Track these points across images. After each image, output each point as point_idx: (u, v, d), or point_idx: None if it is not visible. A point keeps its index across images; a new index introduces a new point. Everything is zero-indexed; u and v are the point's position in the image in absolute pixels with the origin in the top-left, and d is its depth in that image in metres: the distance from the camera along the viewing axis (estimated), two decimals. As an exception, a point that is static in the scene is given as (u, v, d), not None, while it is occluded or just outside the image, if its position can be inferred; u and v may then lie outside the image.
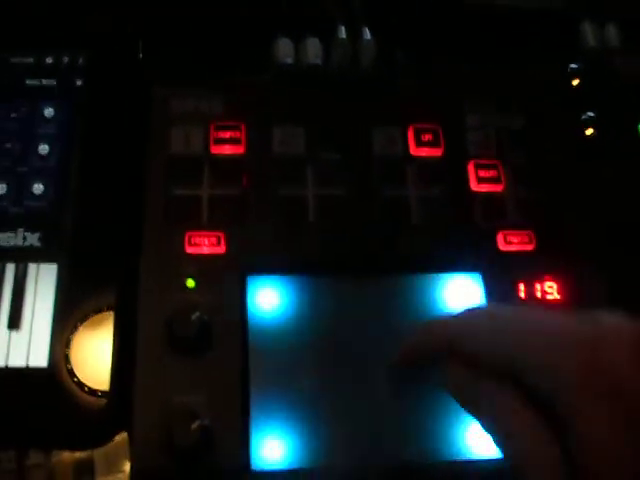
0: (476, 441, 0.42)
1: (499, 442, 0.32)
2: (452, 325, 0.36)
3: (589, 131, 0.50)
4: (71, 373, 0.43)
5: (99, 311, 0.44)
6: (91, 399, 0.43)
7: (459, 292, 0.46)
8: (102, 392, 0.43)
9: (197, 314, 0.42)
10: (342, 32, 0.53)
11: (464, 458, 0.42)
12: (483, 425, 0.33)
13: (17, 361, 0.43)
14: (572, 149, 0.50)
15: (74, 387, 0.43)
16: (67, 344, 0.44)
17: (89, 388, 0.43)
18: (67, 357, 0.43)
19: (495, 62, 0.53)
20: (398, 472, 0.41)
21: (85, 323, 0.44)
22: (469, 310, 0.36)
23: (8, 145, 0.47)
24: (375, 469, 0.41)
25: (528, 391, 0.31)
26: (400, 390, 0.42)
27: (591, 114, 0.50)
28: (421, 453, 0.42)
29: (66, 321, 0.44)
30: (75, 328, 0.44)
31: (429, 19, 0.55)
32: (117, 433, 0.43)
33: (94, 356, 0.44)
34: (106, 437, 0.44)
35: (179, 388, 0.42)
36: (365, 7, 0.53)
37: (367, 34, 0.53)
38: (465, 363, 0.34)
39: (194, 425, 0.40)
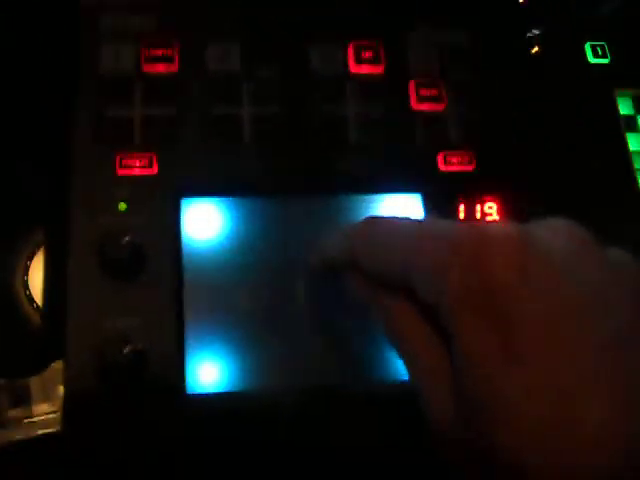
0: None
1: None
2: (352, 238, 0.35)
3: (534, 49, 0.49)
4: (30, 299, 0.42)
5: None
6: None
7: (399, 212, 0.45)
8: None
9: (128, 237, 0.41)
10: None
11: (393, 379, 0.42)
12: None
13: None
14: (517, 68, 0.49)
15: (32, 311, 0.42)
16: (26, 271, 0.43)
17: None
18: (26, 283, 0.42)
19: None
20: (326, 393, 0.41)
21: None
22: (368, 221, 0.35)
23: None
24: (303, 391, 0.41)
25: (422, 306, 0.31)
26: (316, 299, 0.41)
27: (537, 31, 0.49)
28: (348, 375, 0.42)
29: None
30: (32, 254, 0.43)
31: None
32: (53, 360, 0.43)
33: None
34: (42, 364, 0.43)
35: (112, 312, 0.41)
36: None
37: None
38: (365, 275, 0.33)
39: (127, 349, 0.40)
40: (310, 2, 0.48)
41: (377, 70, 0.47)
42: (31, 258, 0.44)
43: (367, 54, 0.47)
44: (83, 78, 0.45)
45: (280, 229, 0.44)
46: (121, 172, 0.43)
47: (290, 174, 0.45)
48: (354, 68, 0.47)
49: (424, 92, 0.47)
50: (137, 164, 0.43)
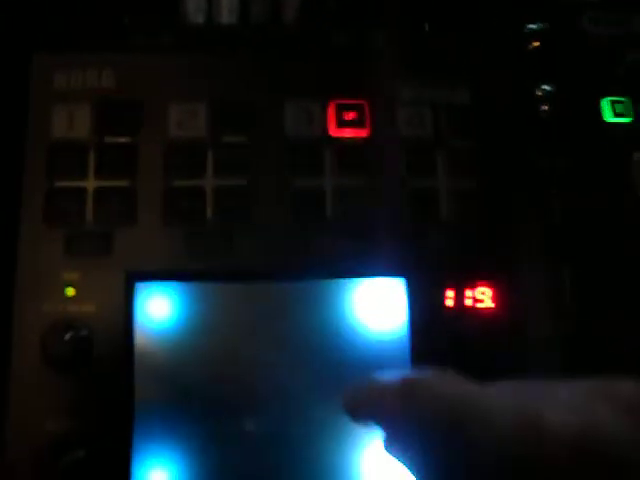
0: None
1: None
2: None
3: (544, 108, 0.43)
4: None
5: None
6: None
7: (377, 298, 0.40)
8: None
9: (72, 332, 0.38)
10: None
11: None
12: None
13: None
14: (522, 131, 0.43)
15: None
16: None
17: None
18: None
19: (437, 21, 0.45)
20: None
21: None
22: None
23: None
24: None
25: None
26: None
27: (548, 87, 0.43)
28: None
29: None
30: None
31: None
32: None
33: None
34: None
35: (56, 410, 0.38)
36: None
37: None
38: None
39: (69, 455, 0.37)
40: (285, 60, 0.43)
41: (361, 134, 0.42)
42: None
43: (350, 115, 0.42)
44: (32, 144, 0.41)
45: (242, 318, 0.40)
46: (71, 252, 0.39)
47: (255, 256, 0.40)
48: (334, 131, 0.42)
49: (414, 160, 0.42)
50: (89, 244, 0.40)
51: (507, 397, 0.25)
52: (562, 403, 0.24)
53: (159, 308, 0.40)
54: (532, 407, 0.24)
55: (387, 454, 0.27)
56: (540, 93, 0.43)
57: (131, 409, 0.38)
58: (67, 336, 0.38)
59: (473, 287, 0.41)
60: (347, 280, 0.40)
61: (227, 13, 0.44)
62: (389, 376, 0.28)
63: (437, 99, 0.43)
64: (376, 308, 0.40)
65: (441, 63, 0.44)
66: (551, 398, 0.24)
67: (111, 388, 0.38)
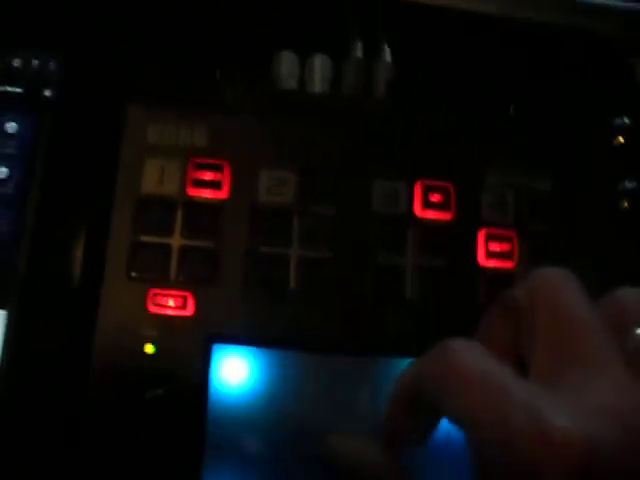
0: None
1: None
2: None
3: (625, 204, 0.43)
4: None
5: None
6: None
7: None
8: None
9: (151, 392, 0.38)
10: (358, 50, 0.46)
11: None
12: None
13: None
14: (604, 223, 0.44)
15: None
16: None
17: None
18: None
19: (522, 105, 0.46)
20: None
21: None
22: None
23: (-38, 164, 0.42)
24: None
25: None
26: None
27: (631, 183, 0.43)
28: None
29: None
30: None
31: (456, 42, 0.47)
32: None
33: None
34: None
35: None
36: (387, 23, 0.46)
37: (387, 55, 0.46)
38: None
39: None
40: (375, 135, 0.43)
41: (445, 216, 0.42)
42: None
43: (436, 197, 0.42)
44: (121, 195, 0.41)
45: (316, 388, 0.40)
46: (153, 309, 0.40)
47: (335, 329, 0.41)
48: (420, 212, 0.42)
49: (494, 247, 0.42)
50: (171, 303, 0.40)
51: None
52: None
53: (234, 371, 0.40)
54: None
55: None
56: (622, 188, 0.43)
57: (199, 470, 0.39)
58: (148, 395, 0.38)
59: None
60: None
61: (319, 82, 0.45)
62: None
63: (519, 184, 0.43)
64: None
65: (525, 148, 0.44)
66: None
67: (182, 447, 0.39)
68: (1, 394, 0.39)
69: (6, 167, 0.42)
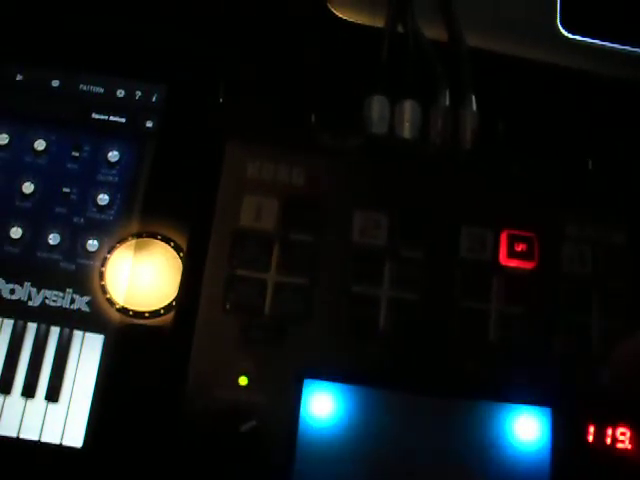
0: None
1: None
2: None
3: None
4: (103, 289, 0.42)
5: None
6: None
7: (524, 425, 0.43)
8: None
9: (248, 424, 0.39)
10: (446, 98, 0.47)
11: None
12: None
13: (51, 437, 0.40)
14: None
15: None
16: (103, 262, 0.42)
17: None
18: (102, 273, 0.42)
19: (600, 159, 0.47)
20: None
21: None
22: None
23: (66, 189, 0.43)
24: None
25: None
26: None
27: None
28: None
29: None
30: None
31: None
32: None
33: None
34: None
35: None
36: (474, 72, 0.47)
37: (473, 104, 0.47)
38: None
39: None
40: (463, 182, 0.45)
41: (528, 266, 0.44)
42: (111, 251, 0.42)
43: (521, 246, 0.44)
44: (219, 228, 0.43)
45: (401, 427, 0.42)
46: (247, 342, 0.41)
47: (421, 370, 0.42)
48: (505, 260, 0.44)
49: (572, 299, 0.44)
50: (265, 337, 0.41)
51: None
52: None
53: (323, 406, 0.41)
54: None
55: None
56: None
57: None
58: (244, 427, 0.39)
59: (614, 427, 0.43)
60: (497, 405, 0.42)
61: (409, 127, 0.46)
62: None
63: (597, 237, 0.45)
64: (522, 433, 0.42)
65: (603, 201, 0.46)
66: None
67: (273, 474, 0.40)
68: (96, 420, 0.40)
69: (107, 194, 0.44)
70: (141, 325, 0.42)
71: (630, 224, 0.46)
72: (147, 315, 0.42)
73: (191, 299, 0.42)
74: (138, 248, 0.43)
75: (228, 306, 0.42)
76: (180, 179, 0.44)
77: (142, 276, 0.43)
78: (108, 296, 0.42)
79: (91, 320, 0.42)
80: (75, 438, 0.40)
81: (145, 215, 0.43)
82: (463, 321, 0.43)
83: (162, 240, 0.43)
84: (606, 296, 0.45)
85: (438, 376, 0.42)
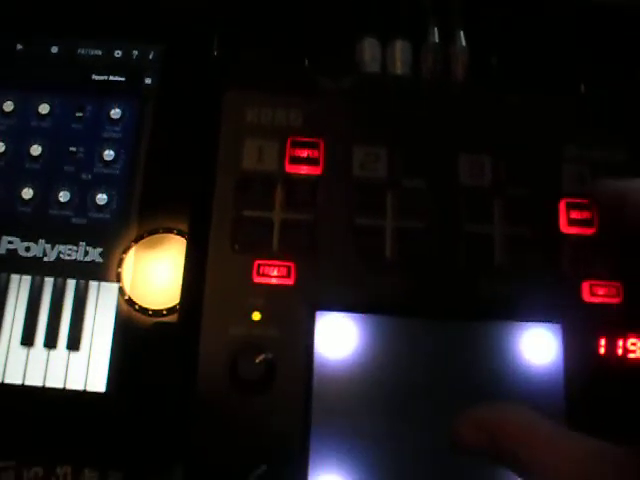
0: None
1: None
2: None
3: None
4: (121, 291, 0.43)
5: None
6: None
7: (537, 343, 0.43)
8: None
9: (262, 356, 0.40)
10: (435, 35, 0.48)
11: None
12: None
13: (75, 384, 0.41)
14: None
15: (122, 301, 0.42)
16: (119, 263, 0.43)
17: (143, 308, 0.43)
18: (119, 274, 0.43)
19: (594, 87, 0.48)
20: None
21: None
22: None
23: (72, 149, 0.44)
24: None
25: None
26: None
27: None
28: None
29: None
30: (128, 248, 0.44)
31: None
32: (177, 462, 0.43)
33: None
34: (163, 463, 0.43)
35: (239, 426, 0.41)
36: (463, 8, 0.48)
37: (462, 39, 0.48)
38: None
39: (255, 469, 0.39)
40: (459, 113, 0.46)
41: (528, 189, 0.45)
42: (126, 251, 0.43)
43: (519, 169, 0.45)
44: (223, 173, 0.44)
45: (414, 352, 0.42)
46: (258, 279, 0.42)
47: (430, 295, 0.43)
48: (503, 184, 0.45)
49: (575, 214, 0.45)
50: (275, 273, 0.42)
51: None
52: None
53: (337, 337, 0.42)
54: None
55: None
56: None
57: (308, 428, 0.41)
58: (258, 359, 0.40)
59: (625, 338, 0.43)
60: (509, 323, 0.43)
61: (400, 65, 0.47)
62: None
63: (596, 158, 0.46)
64: (534, 351, 0.43)
65: (599, 122, 0.47)
66: None
67: (291, 408, 0.41)
68: (117, 365, 0.42)
69: (112, 150, 0.45)
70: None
71: (630, 142, 0.47)
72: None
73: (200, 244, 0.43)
74: (153, 245, 0.44)
75: (237, 246, 0.43)
76: (182, 131, 0.45)
77: (159, 272, 0.44)
78: (126, 297, 0.43)
79: (105, 270, 0.43)
80: (98, 384, 0.42)
81: (150, 168, 0.45)
82: (469, 245, 0.44)
83: (178, 234, 0.45)
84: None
85: (448, 300, 0.43)
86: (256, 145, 0.44)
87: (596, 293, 0.44)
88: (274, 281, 0.42)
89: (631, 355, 0.43)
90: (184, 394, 0.41)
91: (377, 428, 0.41)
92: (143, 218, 0.44)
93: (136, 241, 0.44)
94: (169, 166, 0.45)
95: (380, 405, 0.42)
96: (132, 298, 0.43)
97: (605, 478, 0.29)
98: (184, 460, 0.41)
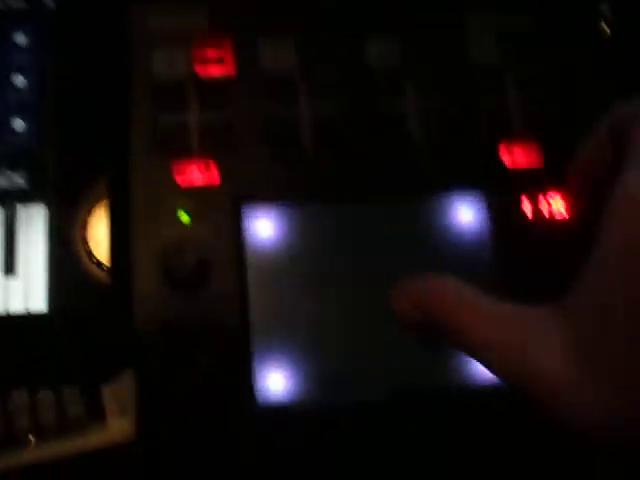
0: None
1: None
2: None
3: (605, 30, 0.46)
4: (89, 254, 0.43)
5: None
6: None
7: (462, 211, 0.44)
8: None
9: (192, 253, 0.41)
10: None
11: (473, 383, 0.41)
12: None
13: (18, 308, 0.42)
14: (586, 53, 0.47)
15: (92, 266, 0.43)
16: (85, 226, 0.43)
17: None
18: (85, 239, 0.43)
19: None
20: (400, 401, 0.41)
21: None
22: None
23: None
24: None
25: None
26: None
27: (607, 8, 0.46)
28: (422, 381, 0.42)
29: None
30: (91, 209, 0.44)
31: None
32: (123, 368, 0.44)
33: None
34: (112, 371, 0.44)
35: (178, 326, 0.41)
36: None
37: None
38: None
39: (196, 362, 0.40)
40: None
41: (435, 63, 0.46)
42: (90, 213, 0.44)
43: (429, 43, 0.45)
44: (135, 84, 0.44)
45: (342, 235, 0.43)
46: (180, 180, 0.43)
47: (350, 178, 0.44)
48: (412, 60, 0.45)
49: (485, 83, 0.45)
50: (196, 172, 0.43)
51: None
52: None
53: (265, 229, 0.43)
54: None
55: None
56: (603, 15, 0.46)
57: (247, 323, 0.42)
58: (188, 256, 0.41)
59: (545, 196, 0.44)
60: (432, 196, 0.44)
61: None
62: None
63: (502, 27, 0.47)
64: (461, 220, 0.44)
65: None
66: None
67: (228, 303, 0.42)
68: (55, 284, 0.42)
69: (22, 75, 0.45)
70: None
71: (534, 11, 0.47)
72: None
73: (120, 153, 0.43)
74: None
75: (157, 151, 0.43)
76: (88, 49, 0.45)
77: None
78: (95, 260, 0.43)
79: (31, 194, 0.43)
80: (39, 305, 0.42)
81: (61, 89, 0.45)
82: (384, 125, 0.45)
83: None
84: (517, 80, 0.46)
85: (368, 182, 0.44)
86: (164, 52, 0.45)
87: (514, 156, 0.45)
88: (198, 181, 0.43)
89: (552, 214, 0.44)
90: (124, 301, 0.42)
91: (315, 315, 0.42)
92: (61, 138, 0.44)
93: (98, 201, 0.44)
94: (81, 86, 0.45)
95: (315, 291, 0.43)
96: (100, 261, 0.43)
97: (526, 338, 0.29)
98: (134, 364, 0.42)
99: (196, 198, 0.43)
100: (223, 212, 0.43)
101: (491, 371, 0.30)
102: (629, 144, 0.30)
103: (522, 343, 0.29)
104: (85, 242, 0.44)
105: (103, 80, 0.45)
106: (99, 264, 0.44)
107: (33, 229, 0.43)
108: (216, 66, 0.44)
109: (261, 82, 0.44)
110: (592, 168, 0.38)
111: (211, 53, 0.44)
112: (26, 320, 0.42)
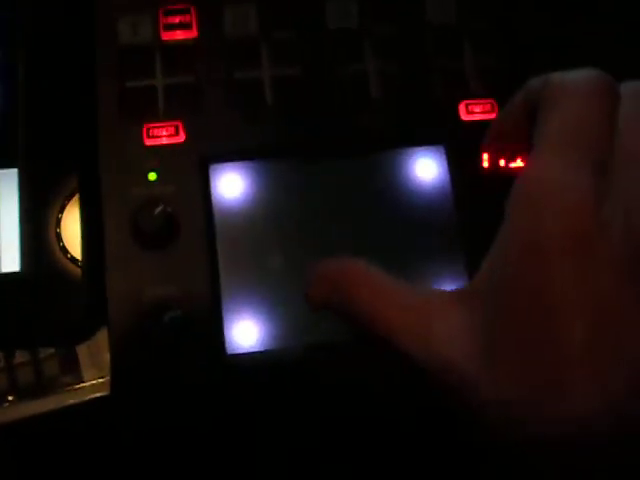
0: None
1: None
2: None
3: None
4: (64, 250, 0.44)
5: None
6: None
7: (424, 165, 0.46)
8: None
9: (160, 207, 0.42)
10: None
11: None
12: None
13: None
14: (539, 9, 0.48)
15: (67, 262, 0.44)
16: (58, 223, 0.44)
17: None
18: (59, 234, 0.44)
19: None
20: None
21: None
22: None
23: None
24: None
25: None
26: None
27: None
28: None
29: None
30: (64, 206, 0.44)
31: None
32: (97, 327, 0.45)
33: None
34: (87, 332, 0.45)
35: (149, 280, 0.43)
36: None
37: None
38: None
39: (167, 315, 0.42)
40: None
41: (393, 25, 0.47)
42: (63, 210, 0.45)
43: (384, 8, 0.47)
44: (102, 51, 0.46)
45: (308, 190, 0.45)
46: (149, 142, 0.44)
47: (314, 135, 0.45)
48: (371, 23, 0.47)
49: (440, 44, 0.47)
50: (164, 133, 0.44)
51: None
52: None
53: (232, 186, 0.44)
54: None
55: None
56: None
57: (217, 275, 0.43)
58: (156, 211, 0.42)
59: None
60: (393, 151, 0.46)
61: None
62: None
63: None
64: (423, 174, 0.46)
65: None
66: None
67: (197, 257, 0.43)
68: (28, 245, 0.43)
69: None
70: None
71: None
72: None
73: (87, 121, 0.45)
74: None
75: (125, 116, 0.45)
76: (55, 21, 0.47)
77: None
78: (69, 255, 0.44)
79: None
80: (12, 264, 0.43)
81: (30, 63, 0.46)
82: (344, 85, 0.46)
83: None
84: (471, 38, 0.48)
85: (333, 138, 0.45)
86: (130, 20, 0.46)
87: (472, 111, 0.46)
88: (165, 141, 0.44)
89: (513, 165, 0.46)
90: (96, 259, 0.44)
91: (283, 268, 0.44)
92: (30, 107, 0.45)
93: (71, 197, 0.45)
94: (48, 55, 0.46)
95: (283, 244, 0.44)
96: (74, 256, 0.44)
97: (430, 322, 0.29)
98: (106, 320, 0.43)
99: (164, 158, 0.44)
100: (190, 170, 0.44)
101: (396, 356, 0.30)
102: (538, 128, 0.30)
103: (426, 328, 0.29)
104: (59, 239, 0.44)
105: (71, 51, 0.46)
106: (73, 259, 0.45)
107: (7, 193, 0.44)
108: (181, 31, 0.46)
109: (225, 46, 0.46)
110: (508, 138, 0.39)
111: (175, 19, 0.46)
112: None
